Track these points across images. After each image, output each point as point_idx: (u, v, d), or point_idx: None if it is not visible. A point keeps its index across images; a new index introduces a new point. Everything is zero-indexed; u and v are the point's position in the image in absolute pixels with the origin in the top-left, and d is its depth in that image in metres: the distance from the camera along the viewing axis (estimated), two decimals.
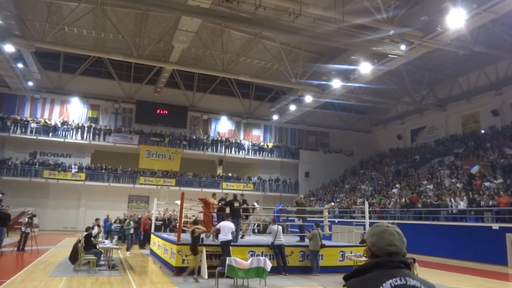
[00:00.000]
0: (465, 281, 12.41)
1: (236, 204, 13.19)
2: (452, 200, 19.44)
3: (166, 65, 27.20)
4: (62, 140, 30.12)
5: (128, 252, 16.82)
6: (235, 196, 13.72)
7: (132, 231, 17.40)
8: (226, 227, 11.28)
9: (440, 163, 26.95)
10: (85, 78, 32.25)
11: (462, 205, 18.69)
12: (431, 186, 23.40)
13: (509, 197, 17.10)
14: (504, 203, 16.90)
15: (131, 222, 17.72)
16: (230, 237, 11.22)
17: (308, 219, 16.91)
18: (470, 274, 13.88)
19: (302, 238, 14.72)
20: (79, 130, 30.96)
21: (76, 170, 29.86)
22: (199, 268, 11.03)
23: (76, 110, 32.28)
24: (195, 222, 11.46)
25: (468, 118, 29.61)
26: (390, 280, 1.69)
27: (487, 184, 19.66)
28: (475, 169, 21.65)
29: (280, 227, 12.66)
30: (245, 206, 14.57)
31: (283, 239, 12.69)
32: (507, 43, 21.63)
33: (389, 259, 1.79)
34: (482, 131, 27.72)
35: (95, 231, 13.05)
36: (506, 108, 26.58)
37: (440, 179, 23.99)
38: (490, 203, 17.57)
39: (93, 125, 31.78)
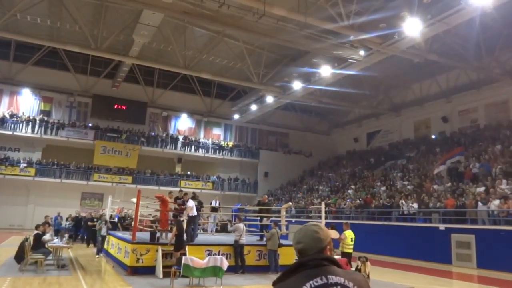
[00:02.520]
0: (414, 279, 12.96)
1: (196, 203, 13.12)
2: (403, 202, 20.29)
3: (125, 59, 26.43)
4: (10, 133, 28.45)
5: (98, 256, 15.02)
6: (194, 194, 13.62)
7: (104, 232, 15.37)
8: (194, 205, 12.56)
9: (393, 166, 28.04)
10: (38, 69, 30.65)
11: (415, 207, 19.55)
12: (384, 188, 24.30)
13: (455, 199, 18.09)
14: (450, 205, 17.86)
15: (103, 222, 15.60)
16: (196, 213, 12.60)
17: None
18: (418, 273, 14.53)
19: (262, 237, 14.80)
20: (30, 123, 29.39)
21: (25, 165, 28.34)
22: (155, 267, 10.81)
23: (27, 102, 30.63)
24: (178, 223, 11.42)
25: (420, 123, 31.01)
26: (310, 282, 1.65)
27: (435, 187, 20.68)
28: (457, 158, 21.79)
29: (244, 226, 12.71)
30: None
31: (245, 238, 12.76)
32: (457, 54, 22.85)
33: (311, 258, 1.76)
34: (433, 136, 29.13)
35: (47, 236, 12.11)
36: (454, 115, 28.07)
37: (393, 181, 24.96)
38: (438, 205, 18.51)
39: (45, 119, 30.29)
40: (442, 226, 17.48)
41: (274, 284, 1.75)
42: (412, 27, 16.90)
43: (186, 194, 13.21)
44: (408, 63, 24.03)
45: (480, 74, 24.94)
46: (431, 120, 30.00)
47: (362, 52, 20.15)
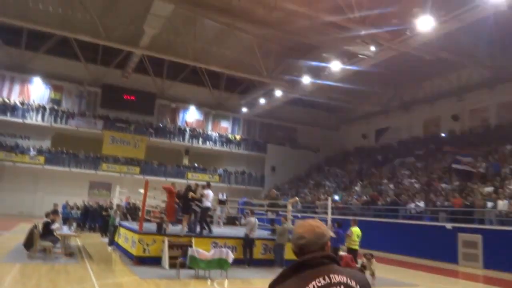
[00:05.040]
0: (419, 277, 12.94)
1: None
2: (410, 201, 20.15)
3: (135, 49, 26.46)
4: (21, 121, 28.76)
5: (111, 247, 14.64)
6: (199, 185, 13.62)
7: (117, 222, 15.03)
8: (211, 195, 12.51)
9: (401, 163, 27.85)
10: (49, 57, 30.82)
11: (421, 205, 19.42)
12: (391, 185, 24.18)
13: (463, 199, 17.94)
14: (458, 204, 17.72)
15: (117, 212, 15.34)
16: (209, 205, 12.71)
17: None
18: (424, 271, 14.49)
19: (274, 232, 14.74)
20: (40, 111, 29.66)
21: (35, 153, 28.64)
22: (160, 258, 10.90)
23: (37, 90, 30.85)
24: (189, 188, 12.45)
25: (430, 121, 30.69)
26: (313, 282, 1.59)
27: (443, 185, 20.52)
28: (467, 159, 21.62)
29: (256, 221, 12.71)
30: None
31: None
32: (470, 52, 22.52)
33: (311, 256, 1.69)
34: (442, 135, 28.84)
35: (55, 225, 12.24)
36: (465, 114, 27.74)
37: (400, 179, 24.82)
38: (446, 203, 18.38)
39: (55, 107, 30.51)
40: (449, 225, 17.37)
41: (272, 285, 1.66)
42: (425, 24, 16.69)
43: (209, 185, 13.03)
44: (419, 60, 23.70)
45: (493, 72, 24.58)
46: (441, 119, 29.65)
47: (372, 48, 19.98)
